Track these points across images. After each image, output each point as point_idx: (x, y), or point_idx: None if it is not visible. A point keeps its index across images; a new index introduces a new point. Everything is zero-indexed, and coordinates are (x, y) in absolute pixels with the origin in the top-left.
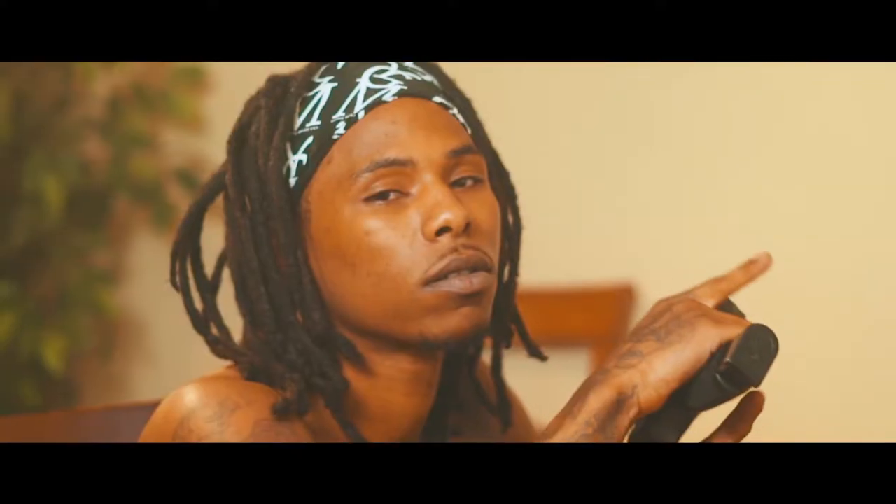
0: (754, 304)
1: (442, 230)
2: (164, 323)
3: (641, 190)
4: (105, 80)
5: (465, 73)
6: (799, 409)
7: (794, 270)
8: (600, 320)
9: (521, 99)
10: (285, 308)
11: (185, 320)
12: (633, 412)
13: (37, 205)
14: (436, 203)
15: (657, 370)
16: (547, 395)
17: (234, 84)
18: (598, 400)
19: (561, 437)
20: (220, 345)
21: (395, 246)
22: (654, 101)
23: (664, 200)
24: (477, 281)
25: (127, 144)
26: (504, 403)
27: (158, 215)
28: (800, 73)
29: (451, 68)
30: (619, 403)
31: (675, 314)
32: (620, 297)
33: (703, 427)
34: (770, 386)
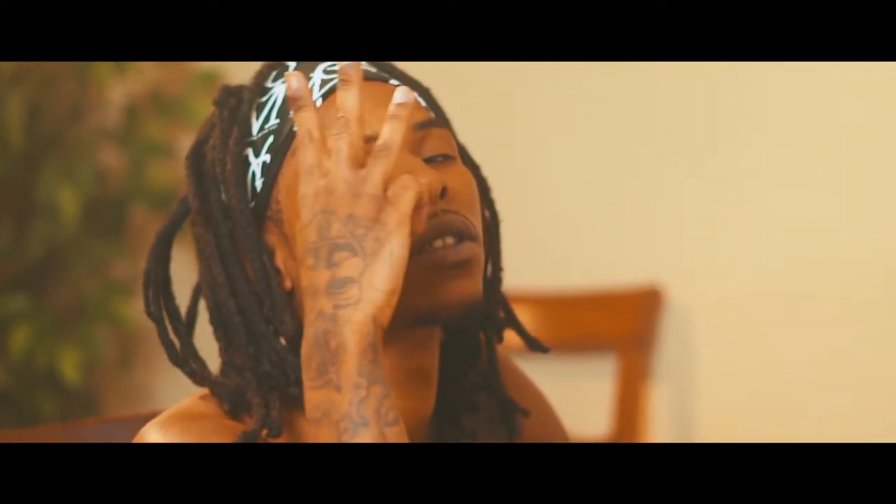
0: (782, 307)
1: None
2: None
3: (668, 192)
4: (120, 87)
5: (483, 72)
6: (809, 412)
7: (821, 273)
8: (627, 324)
9: (546, 100)
10: (256, 318)
11: (204, 330)
12: (380, 339)
13: (52, 215)
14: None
15: (379, 288)
16: (573, 400)
17: None
18: (353, 358)
19: (339, 414)
20: (196, 376)
21: None
22: (681, 104)
23: (690, 203)
24: (463, 251)
25: (143, 153)
26: (506, 405)
27: None
28: (829, 74)
29: (476, 68)
30: (370, 347)
31: (346, 215)
32: (647, 301)
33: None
34: (781, 389)
